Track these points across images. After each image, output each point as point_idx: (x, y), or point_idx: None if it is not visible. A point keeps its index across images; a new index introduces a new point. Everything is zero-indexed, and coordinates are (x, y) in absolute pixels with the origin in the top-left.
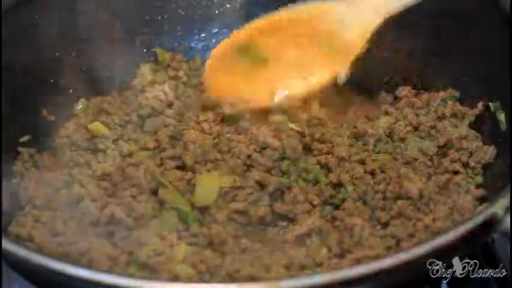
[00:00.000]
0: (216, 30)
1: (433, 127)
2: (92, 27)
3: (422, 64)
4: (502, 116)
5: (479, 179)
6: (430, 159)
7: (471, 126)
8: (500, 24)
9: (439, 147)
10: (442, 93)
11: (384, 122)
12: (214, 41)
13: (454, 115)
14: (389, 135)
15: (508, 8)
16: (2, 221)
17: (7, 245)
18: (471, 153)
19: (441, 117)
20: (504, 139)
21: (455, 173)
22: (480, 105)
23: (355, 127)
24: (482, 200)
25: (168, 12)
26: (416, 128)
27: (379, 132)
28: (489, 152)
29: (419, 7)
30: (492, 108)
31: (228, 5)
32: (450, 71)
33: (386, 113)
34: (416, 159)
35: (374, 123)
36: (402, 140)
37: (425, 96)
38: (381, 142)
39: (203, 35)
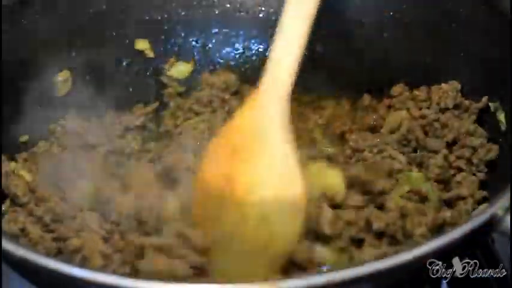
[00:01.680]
0: (216, 30)
1: (437, 120)
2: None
3: (421, 65)
4: (502, 116)
5: (481, 176)
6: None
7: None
8: (500, 24)
9: (447, 143)
10: (444, 85)
11: (393, 118)
12: (214, 40)
13: (456, 107)
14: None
15: (508, 9)
16: (1, 221)
17: (7, 245)
18: (474, 150)
19: (444, 110)
20: (504, 139)
21: (459, 169)
22: (485, 99)
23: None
24: (481, 202)
25: (168, 12)
26: (424, 126)
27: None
28: (493, 150)
29: (419, 8)
30: (492, 108)
31: (228, 5)
32: (449, 71)
33: (390, 108)
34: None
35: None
36: (416, 140)
37: (424, 89)
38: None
39: (203, 35)
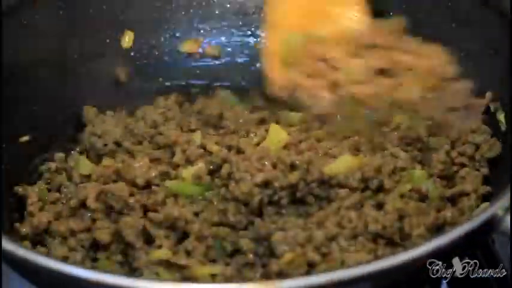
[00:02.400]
0: (216, 30)
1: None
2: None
3: None
4: (502, 117)
5: (485, 171)
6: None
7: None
8: (500, 24)
9: (452, 141)
10: (455, 84)
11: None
12: (214, 41)
13: (465, 107)
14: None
15: (508, 9)
16: (2, 221)
17: (7, 245)
18: (477, 147)
19: (453, 109)
20: (504, 139)
21: (462, 165)
22: (489, 95)
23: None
24: (486, 198)
25: (169, 12)
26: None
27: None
28: (496, 146)
29: (419, 8)
30: (492, 109)
31: (228, 5)
32: None
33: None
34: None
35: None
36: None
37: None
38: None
39: (203, 34)
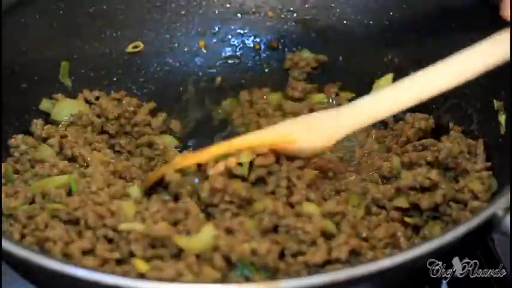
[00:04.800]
0: (216, 30)
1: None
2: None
3: (421, 64)
4: (503, 118)
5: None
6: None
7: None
8: (500, 24)
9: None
10: (452, 132)
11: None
12: (214, 40)
13: (469, 152)
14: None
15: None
16: (2, 221)
17: (7, 245)
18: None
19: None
20: (504, 140)
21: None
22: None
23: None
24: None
25: (169, 12)
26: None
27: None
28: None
29: (419, 7)
30: (496, 107)
31: (228, 5)
32: None
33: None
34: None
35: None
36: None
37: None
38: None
39: (203, 34)
